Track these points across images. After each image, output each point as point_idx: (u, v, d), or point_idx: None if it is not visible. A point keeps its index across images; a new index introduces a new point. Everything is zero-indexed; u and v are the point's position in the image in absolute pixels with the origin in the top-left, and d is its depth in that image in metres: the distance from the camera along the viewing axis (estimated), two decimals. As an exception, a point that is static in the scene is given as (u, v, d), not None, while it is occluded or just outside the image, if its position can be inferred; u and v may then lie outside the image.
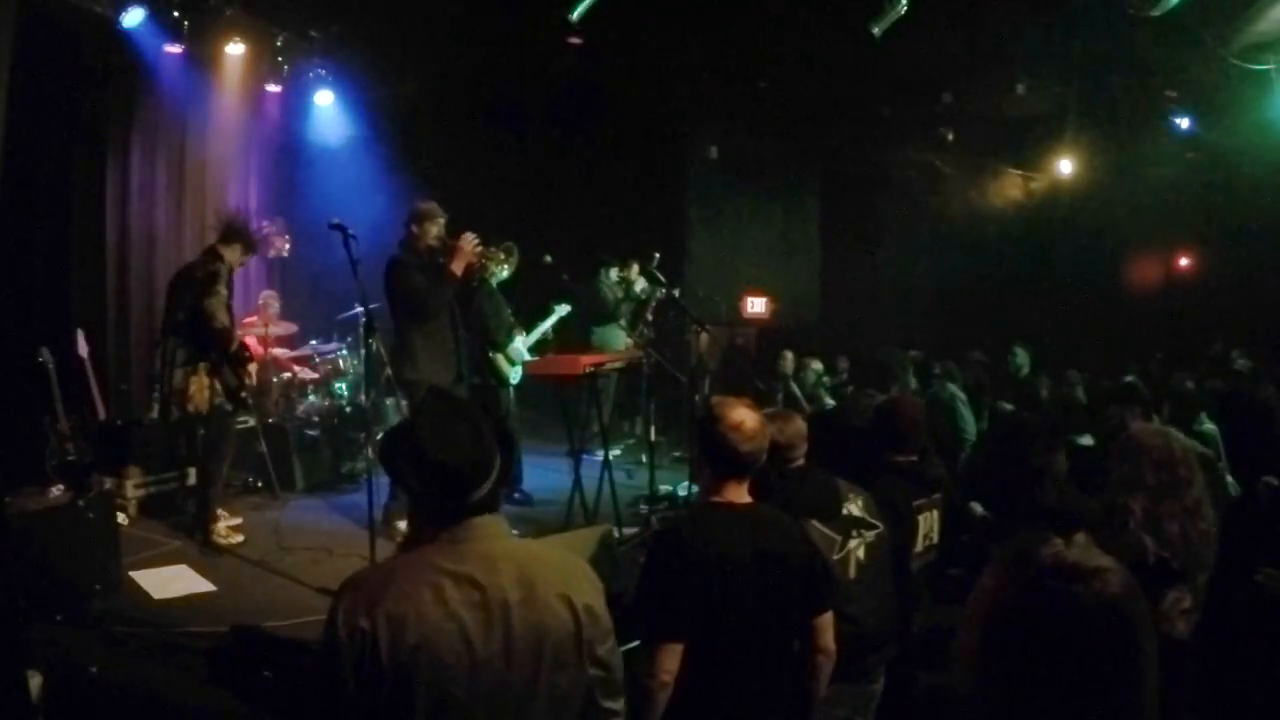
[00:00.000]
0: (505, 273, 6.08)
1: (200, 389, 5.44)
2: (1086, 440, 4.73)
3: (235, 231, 5.66)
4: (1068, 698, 1.13)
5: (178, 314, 5.52)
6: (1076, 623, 1.13)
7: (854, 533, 3.06)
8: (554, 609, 1.76)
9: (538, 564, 1.81)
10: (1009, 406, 7.39)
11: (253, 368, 5.73)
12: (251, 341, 6.81)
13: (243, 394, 5.65)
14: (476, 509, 1.76)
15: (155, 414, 5.97)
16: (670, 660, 2.35)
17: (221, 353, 5.46)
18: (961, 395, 6.88)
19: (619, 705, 1.90)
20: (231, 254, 5.61)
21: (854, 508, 3.12)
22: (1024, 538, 1.23)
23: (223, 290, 5.42)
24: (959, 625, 1.26)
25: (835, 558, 2.95)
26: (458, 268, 5.60)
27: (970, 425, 6.75)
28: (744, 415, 2.55)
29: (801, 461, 3.18)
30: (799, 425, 3.20)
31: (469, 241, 5.64)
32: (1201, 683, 3.15)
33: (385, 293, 5.62)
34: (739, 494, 2.56)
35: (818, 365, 7.97)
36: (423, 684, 1.64)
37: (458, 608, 1.68)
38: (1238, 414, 5.66)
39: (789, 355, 8.85)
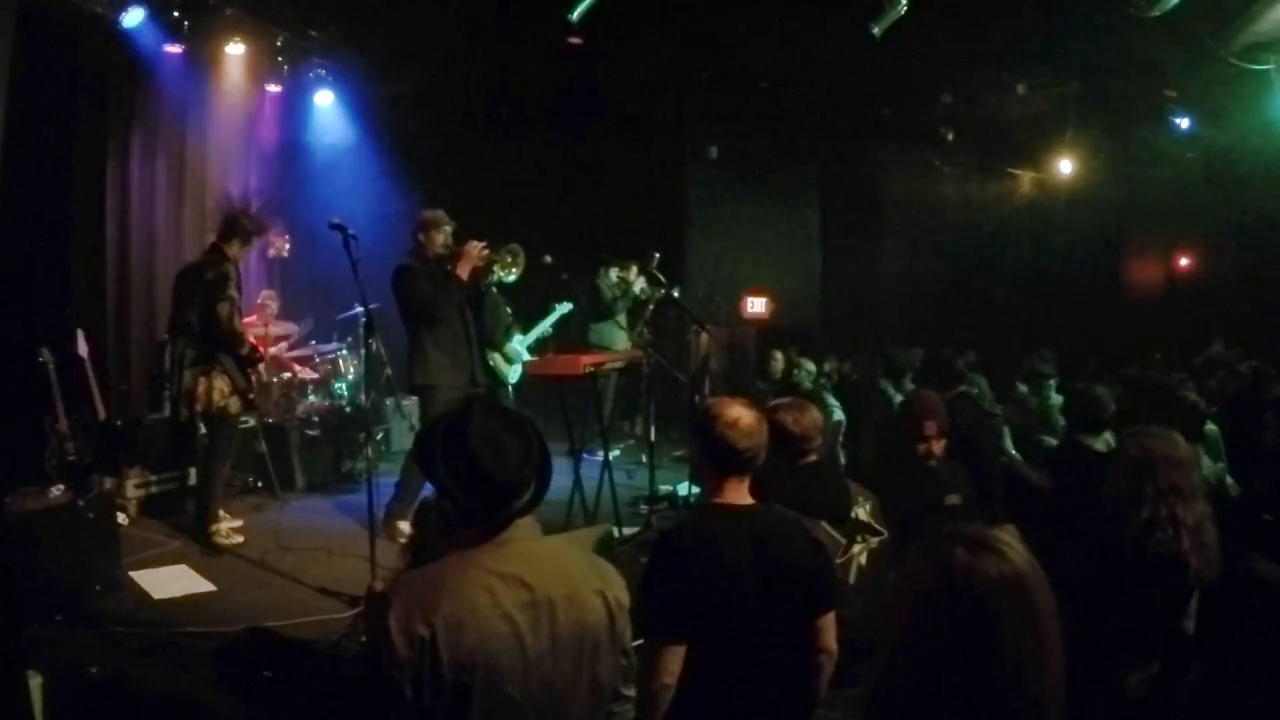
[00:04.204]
0: (512, 276, 6.09)
1: (208, 390, 5.45)
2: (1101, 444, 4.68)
3: (231, 224, 5.62)
4: (974, 657, 1.24)
5: (187, 314, 5.49)
6: (980, 589, 1.26)
7: (859, 538, 3.06)
8: (593, 604, 1.82)
9: (573, 561, 1.88)
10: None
11: (262, 368, 5.74)
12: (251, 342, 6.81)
13: (250, 395, 5.67)
14: (518, 514, 1.81)
15: (166, 413, 5.98)
16: (672, 661, 2.35)
17: (234, 356, 5.48)
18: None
19: (634, 691, 2.00)
20: (233, 249, 5.60)
21: (862, 512, 3.12)
22: (952, 524, 1.37)
23: (233, 292, 5.42)
24: (890, 596, 1.40)
25: (838, 561, 2.94)
26: (463, 271, 5.61)
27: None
28: (740, 412, 2.55)
29: (815, 456, 3.17)
30: (814, 416, 3.19)
31: (475, 246, 5.67)
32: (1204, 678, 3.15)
33: (394, 299, 5.63)
34: (740, 494, 2.56)
35: (810, 365, 7.97)
36: (480, 686, 1.66)
37: (510, 608, 1.71)
38: (1240, 416, 5.66)
39: (779, 355, 8.84)
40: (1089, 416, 4.61)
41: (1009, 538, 1.32)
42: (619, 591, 1.90)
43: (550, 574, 1.78)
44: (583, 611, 1.79)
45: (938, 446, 3.76)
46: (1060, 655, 1.28)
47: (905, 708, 1.30)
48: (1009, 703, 1.23)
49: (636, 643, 2.00)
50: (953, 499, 3.73)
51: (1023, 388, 8.01)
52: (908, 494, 3.51)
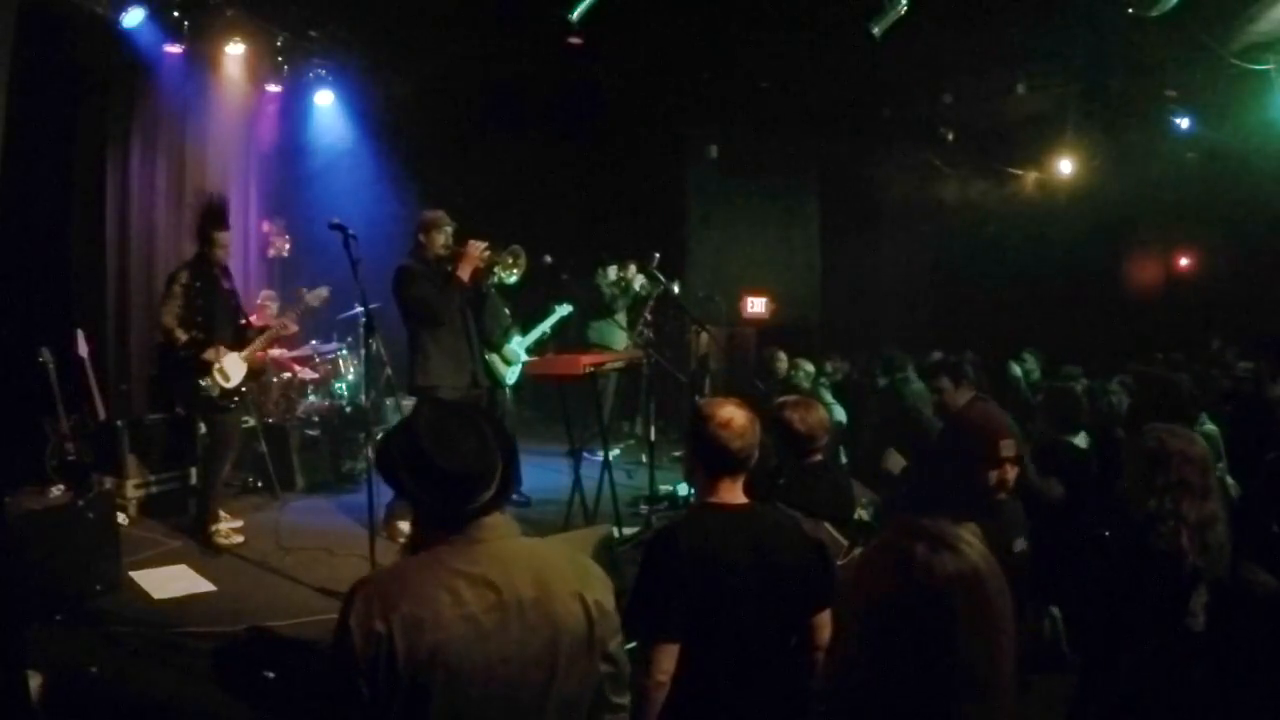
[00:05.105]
0: (513, 277, 6.09)
1: (185, 387, 5.50)
2: (1080, 440, 4.67)
3: (197, 230, 5.68)
4: (929, 653, 1.25)
5: None
6: (938, 586, 1.26)
7: (861, 539, 3.06)
8: (569, 607, 1.77)
9: (550, 563, 1.82)
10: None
11: (227, 365, 5.64)
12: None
13: (201, 395, 5.51)
14: (483, 511, 1.76)
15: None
16: (667, 660, 2.35)
17: (177, 354, 5.47)
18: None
19: (626, 700, 1.93)
20: (204, 250, 5.62)
21: (865, 513, 3.11)
22: (908, 518, 1.37)
23: (177, 297, 5.46)
24: (844, 590, 1.40)
25: (840, 562, 2.94)
26: (465, 273, 5.60)
27: None
28: (732, 413, 2.54)
29: (820, 456, 3.16)
30: (820, 415, 3.17)
31: (476, 247, 5.65)
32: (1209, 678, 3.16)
33: (395, 301, 5.63)
34: (734, 494, 2.56)
35: (809, 366, 7.99)
36: (439, 686, 1.63)
37: (474, 609, 1.68)
38: (1240, 414, 5.66)
39: (782, 355, 8.86)
40: (1067, 415, 4.60)
41: (969, 535, 1.32)
42: (601, 594, 1.83)
43: (521, 575, 1.74)
44: (556, 614, 1.75)
45: (1012, 474, 3.04)
46: (1012, 651, 1.29)
47: (859, 703, 1.30)
48: (961, 699, 1.24)
49: (628, 645, 1.96)
50: (1020, 544, 3.08)
51: (1016, 369, 8.02)
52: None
